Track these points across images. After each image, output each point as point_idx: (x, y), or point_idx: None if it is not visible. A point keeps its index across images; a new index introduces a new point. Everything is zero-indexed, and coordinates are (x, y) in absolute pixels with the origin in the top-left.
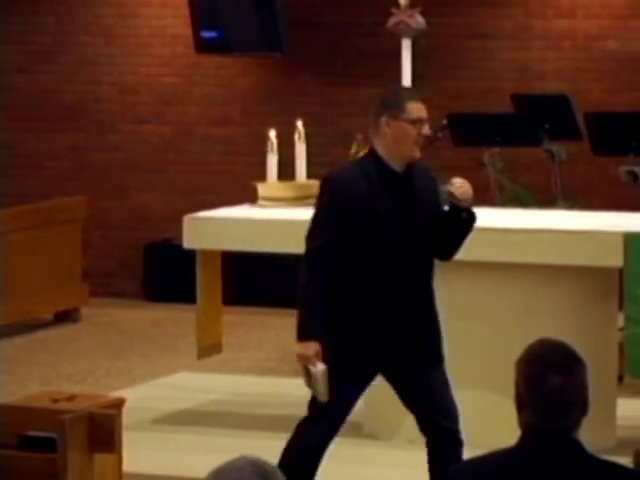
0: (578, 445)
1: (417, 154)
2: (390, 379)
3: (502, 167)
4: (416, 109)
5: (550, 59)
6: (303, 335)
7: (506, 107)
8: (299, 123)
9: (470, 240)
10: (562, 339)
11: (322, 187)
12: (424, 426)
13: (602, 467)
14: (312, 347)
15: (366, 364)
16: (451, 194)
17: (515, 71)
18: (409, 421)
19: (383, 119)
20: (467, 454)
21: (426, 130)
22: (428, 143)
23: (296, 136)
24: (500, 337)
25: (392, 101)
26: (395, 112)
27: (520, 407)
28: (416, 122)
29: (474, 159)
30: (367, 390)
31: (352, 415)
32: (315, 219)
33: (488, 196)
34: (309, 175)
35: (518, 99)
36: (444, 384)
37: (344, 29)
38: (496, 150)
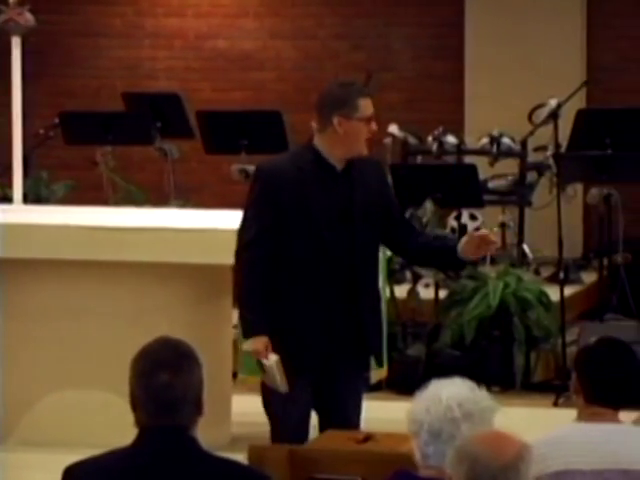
0: (193, 442)
1: (365, 150)
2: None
3: (114, 166)
4: (367, 106)
5: (161, 57)
6: (248, 332)
7: (118, 105)
8: None
9: (82, 239)
10: (177, 337)
11: (253, 178)
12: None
13: (217, 464)
14: (260, 341)
15: (303, 361)
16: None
17: (126, 69)
18: (24, 423)
19: (335, 119)
20: (85, 454)
21: (374, 126)
22: (39, 142)
23: None
24: (113, 337)
25: (343, 99)
26: (347, 111)
27: (134, 405)
28: (367, 120)
29: (86, 158)
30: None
31: None
32: (245, 213)
33: (101, 195)
34: None
35: (129, 97)
36: (357, 404)
37: None
38: (108, 149)
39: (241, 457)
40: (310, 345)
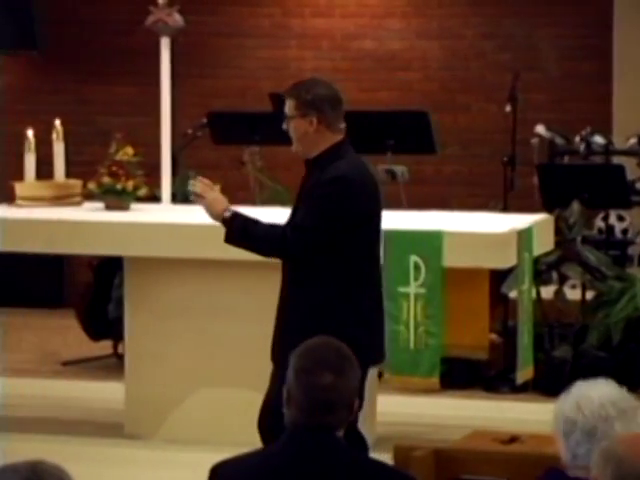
0: (339, 443)
1: (293, 148)
2: None
3: (262, 166)
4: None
5: (308, 58)
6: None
7: (265, 106)
8: (57, 122)
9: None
10: (336, 340)
11: None
12: None
13: (362, 464)
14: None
15: None
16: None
17: (273, 70)
18: (169, 421)
19: None
20: (231, 453)
21: (284, 125)
22: (187, 142)
23: (54, 135)
24: (258, 334)
25: None
26: None
27: (287, 402)
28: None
29: (234, 158)
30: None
31: (112, 416)
32: None
33: (248, 194)
34: (67, 174)
35: (276, 98)
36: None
37: (101, 27)
38: (256, 149)
39: (386, 457)
40: None
